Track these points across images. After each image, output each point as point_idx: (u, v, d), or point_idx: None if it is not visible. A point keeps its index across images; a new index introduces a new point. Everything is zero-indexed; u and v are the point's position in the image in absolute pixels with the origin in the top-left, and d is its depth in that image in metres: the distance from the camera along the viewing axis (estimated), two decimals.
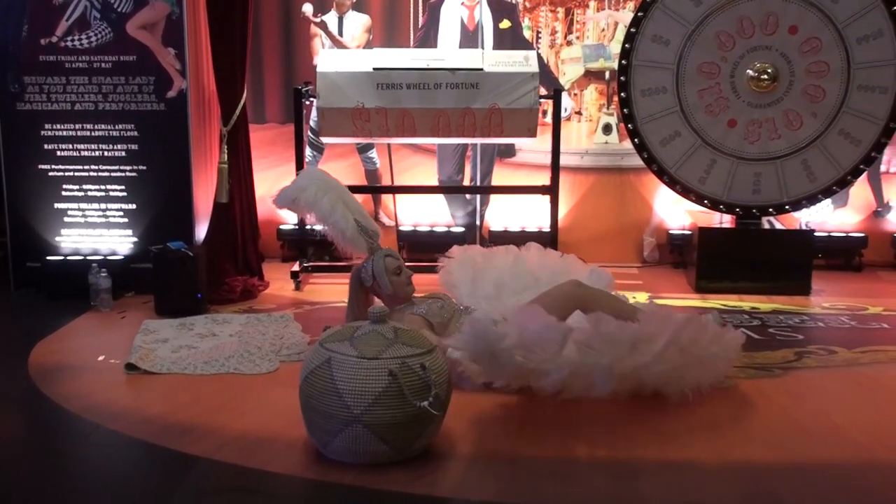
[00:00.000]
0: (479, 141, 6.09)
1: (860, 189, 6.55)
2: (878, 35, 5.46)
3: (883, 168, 6.59)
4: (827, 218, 6.64)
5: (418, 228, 6.77)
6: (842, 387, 3.86)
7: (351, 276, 4.10)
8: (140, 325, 4.77)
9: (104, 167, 5.66)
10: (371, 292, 4.05)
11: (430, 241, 6.71)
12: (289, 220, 6.69)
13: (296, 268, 5.90)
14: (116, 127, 5.62)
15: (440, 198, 6.83)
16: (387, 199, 6.79)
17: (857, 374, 4.06)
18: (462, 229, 6.75)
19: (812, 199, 5.80)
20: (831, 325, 5.00)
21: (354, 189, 6.64)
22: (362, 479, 2.83)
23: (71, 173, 5.66)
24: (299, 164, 5.84)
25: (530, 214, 6.56)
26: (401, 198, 6.67)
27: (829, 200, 6.24)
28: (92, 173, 5.66)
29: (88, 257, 5.56)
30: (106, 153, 5.64)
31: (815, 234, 6.21)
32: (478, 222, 6.82)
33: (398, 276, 3.95)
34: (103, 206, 5.69)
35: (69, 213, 5.69)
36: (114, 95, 5.59)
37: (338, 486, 2.81)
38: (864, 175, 6.06)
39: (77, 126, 5.61)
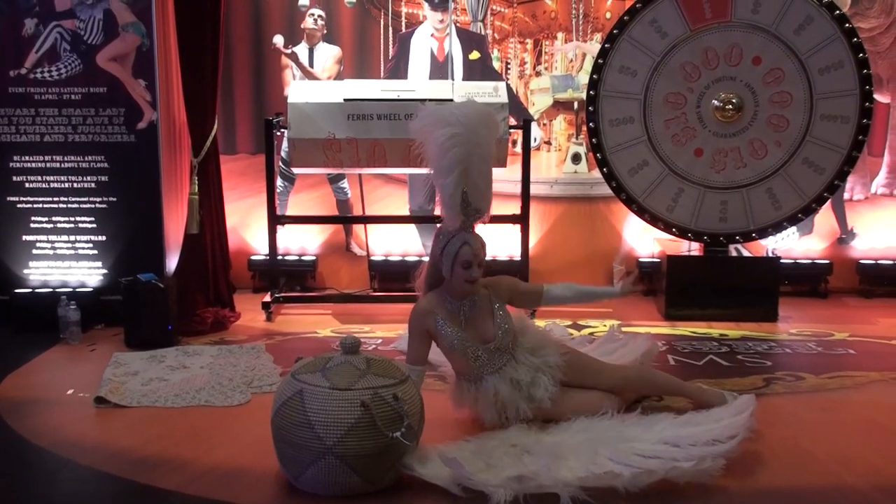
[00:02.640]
0: None
1: (825, 217, 6.66)
2: (839, 66, 5.58)
3: (846, 196, 6.71)
4: (793, 245, 6.74)
5: (390, 258, 6.79)
6: (809, 412, 3.91)
7: (434, 234, 3.61)
8: (110, 357, 4.73)
9: (73, 199, 5.63)
10: (438, 261, 3.55)
11: (402, 270, 6.70)
12: (260, 250, 6.67)
13: (267, 298, 5.88)
14: (86, 158, 5.59)
15: (411, 227, 6.86)
16: (358, 228, 6.80)
17: (825, 400, 4.11)
18: None
19: (778, 227, 5.89)
20: (799, 351, 5.06)
21: (326, 219, 6.77)
22: None
23: (40, 205, 5.62)
24: (270, 195, 5.84)
25: (501, 243, 6.60)
26: (372, 228, 6.69)
27: (794, 228, 6.33)
28: (61, 205, 5.63)
29: (57, 290, 5.51)
30: (76, 185, 5.61)
31: (782, 261, 6.29)
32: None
33: (464, 269, 3.44)
34: (73, 237, 5.64)
35: (38, 245, 5.64)
36: (83, 127, 5.57)
37: None
38: (828, 203, 6.15)
39: (46, 158, 5.58)
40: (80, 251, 5.66)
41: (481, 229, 3.58)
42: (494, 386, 3.47)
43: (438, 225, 3.61)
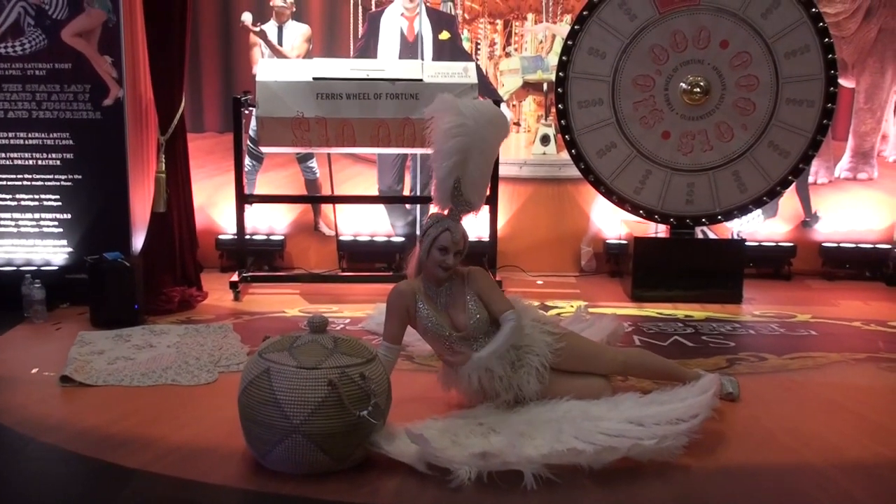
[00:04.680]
0: (419, 151, 6.13)
1: (789, 200, 6.74)
2: (805, 50, 5.64)
3: (811, 179, 6.80)
4: (758, 228, 6.82)
5: (358, 238, 6.78)
6: (771, 392, 3.98)
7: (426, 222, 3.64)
8: (75, 336, 4.70)
9: (38, 176, 5.55)
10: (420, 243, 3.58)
11: (371, 250, 6.74)
12: (228, 229, 6.64)
13: (235, 278, 5.86)
14: (51, 135, 5.52)
15: (380, 208, 6.86)
16: (327, 208, 6.79)
17: (787, 380, 4.19)
18: (402, 239, 6.78)
19: (743, 210, 5.96)
20: (762, 332, 5.14)
21: (294, 199, 6.75)
22: (302, 490, 2.84)
23: (3, 182, 5.54)
24: (238, 174, 5.81)
25: (470, 224, 6.59)
26: (341, 208, 6.67)
27: (759, 211, 6.41)
28: (25, 182, 5.55)
29: (21, 268, 5.45)
30: (40, 162, 5.54)
31: (747, 243, 6.37)
32: (417, 232, 6.85)
33: (440, 255, 3.46)
34: (37, 215, 5.57)
35: (1, 222, 5.57)
36: (48, 104, 5.49)
37: (277, 497, 2.81)
38: (793, 186, 6.23)
39: (10, 134, 5.50)
40: (45, 229, 5.59)
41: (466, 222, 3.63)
42: (468, 373, 3.49)
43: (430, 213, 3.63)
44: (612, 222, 6.76)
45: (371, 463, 3.02)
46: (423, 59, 6.56)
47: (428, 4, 6.69)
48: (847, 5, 6.49)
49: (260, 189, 6.73)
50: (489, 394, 3.52)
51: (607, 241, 6.80)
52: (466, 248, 3.58)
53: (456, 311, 3.55)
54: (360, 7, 6.70)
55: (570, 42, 5.80)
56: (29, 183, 5.56)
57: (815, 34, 5.61)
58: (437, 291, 3.57)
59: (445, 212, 3.58)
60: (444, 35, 6.71)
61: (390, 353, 3.46)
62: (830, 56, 5.62)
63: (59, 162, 5.55)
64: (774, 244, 6.81)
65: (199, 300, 5.66)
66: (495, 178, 5.83)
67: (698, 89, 5.73)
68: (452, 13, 6.75)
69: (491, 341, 3.49)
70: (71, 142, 5.53)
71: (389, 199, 6.80)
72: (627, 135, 5.84)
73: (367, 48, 6.69)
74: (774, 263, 6.79)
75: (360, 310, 5.44)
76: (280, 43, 6.66)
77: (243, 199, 5.87)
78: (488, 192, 5.80)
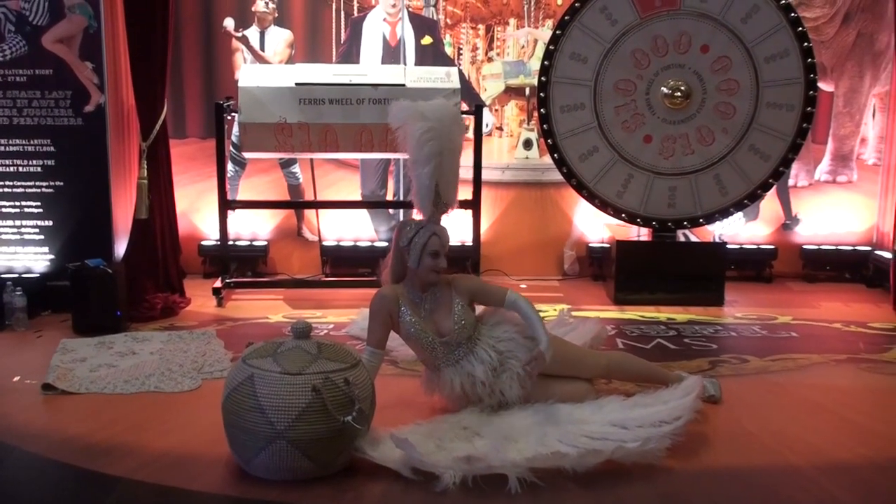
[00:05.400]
0: (401, 156, 6.12)
1: (770, 203, 6.78)
2: (785, 55, 5.68)
3: (791, 182, 6.84)
4: (739, 231, 6.86)
5: (342, 243, 6.78)
6: (753, 394, 4.01)
7: (396, 228, 3.66)
8: (57, 344, 4.67)
9: (19, 183, 5.52)
10: (403, 252, 3.56)
11: (354, 255, 6.73)
12: (210, 235, 6.62)
13: (218, 284, 5.84)
14: (32, 142, 5.49)
15: (363, 213, 6.85)
16: (310, 213, 6.78)
17: (768, 382, 4.22)
18: (385, 244, 6.77)
19: (724, 213, 6.00)
20: (743, 334, 5.17)
21: (277, 204, 6.74)
22: (286, 496, 2.84)
23: None
24: (221, 180, 5.80)
25: (453, 229, 6.60)
26: (324, 213, 6.67)
27: (740, 214, 6.44)
28: (6, 189, 5.52)
29: (3, 275, 5.42)
30: (21, 168, 5.51)
31: (728, 246, 6.39)
32: None
33: (432, 260, 3.49)
34: (18, 222, 5.55)
35: None
36: (29, 110, 5.47)
37: (261, 503, 2.81)
38: (774, 189, 6.27)
39: None
40: (26, 236, 5.56)
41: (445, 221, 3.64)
42: (451, 378, 3.52)
43: (400, 220, 3.66)
44: (594, 226, 6.78)
45: (356, 468, 3.03)
46: (405, 63, 6.57)
47: (410, 9, 6.70)
48: (826, 10, 6.55)
49: (243, 195, 6.71)
50: (472, 399, 3.53)
51: (590, 245, 6.83)
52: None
53: (440, 317, 3.55)
54: (342, 12, 6.70)
55: (552, 47, 5.82)
56: (10, 190, 5.53)
57: (794, 38, 5.65)
58: (421, 297, 3.57)
59: (421, 216, 3.60)
60: (427, 40, 6.72)
61: (374, 357, 3.46)
62: (810, 60, 5.66)
63: (40, 169, 5.53)
64: (756, 247, 6.85)
65: (182, 306, 5.64)
66: (478, 183, 5.86)
67: (679, 93, 5.77)
68: (435, 18, 6.76)
69: (528, 326, 3.53)
70: (52, 148, 5.51)
71: (373, 203, 6.80)
72: (609, 139, 5.86)
73: (350, 53, 6.69)
74: (756, 266, 6.83)
75: (343, 315, 5.43)
76: (262, 48, 6.65)
77: (226, 204, 5.86)
78: (471, 197, 5.85)
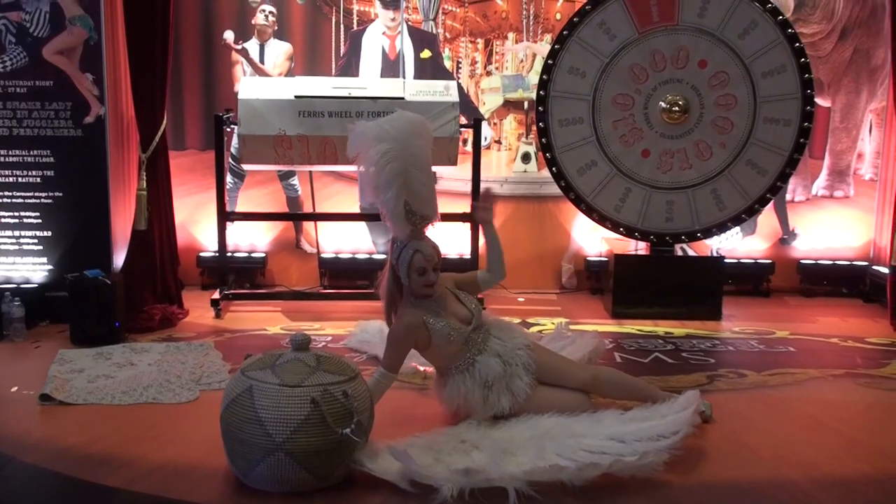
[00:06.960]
0: None
1: (767, 217, 6.81)
2: (782, 70, 5.70)
3: (788, 197, 6.87)
4: (736, 245, 6.88)
5: (340, 256, 6.78)
6: (751, 408, 4.00)
7: (389, 244, 3.67)
8: (55, 354, 4.67)
9: (18, 193, 5.54)
10: (396, 269, 3.58)
11: (352, 268, 6.74)
12: (209, 247, 6.63)
13: (216, 295, 5.85)
14: (31, 153, 5.51)
15: (362, 225, 6.86)
16: (308, 226, 6.79)
17: (766, 396, 4.22)
18: (383, 256, 6.77)
19: (722, 227, 6.01)
20: (741, 348, 5.18)
21: (276, 216, 6.75)
22: None
23: None
24: (220, 191, 5.81)
25: (451, 242, 6.63)
26: (322, 225, 6.68)
27: (738, 228, 6.46)
28: (5, 200, 5.53)
29: (1, 286, 5.42)
30: (20, 179, 5.52)
31: (726, 260, 6.40)
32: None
33: (420, 276, 3.48)
34: (17, 233, 5.55)
35: None
36: (29, 121, 5.48)
37: None
38: (771, 204, 6.29)
39: None
40: (25, 247, 5.57)
41: (432, 232, 3.63)
42: (486, 364, 3.54)
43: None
44: (592, 240, 6.80)
45: (354, 481, 3.02)
46: (404, 77, 6.59)
47: (409, 23, 6.73)
48: (823, 26, 6.59)
49: (241, 206, 6.72)
50: (495, 386, 3.55)
51: (588, 259, 6.84)
52: (441, 258, 3.58)
53: (454, 309, 3.60)
54: (341, 25, 6.73)
55: (550, 61, 5.85)
56: (9, 200, 5.54)
57: (791, 54, 5.68)
58: (430, 303, 3.57)
59: (404, 234, 3.54)
60: (426, 53, 6.75)
61: (386, 380, 3.44)
62: (807, 75, 5.69)
63: (39, 179, 5.54)
64: (753, 261, 6.86)
65: (180, 318, 5.64)
66: (476, 196, 5.86)
67: (677, 108, 5.79)
68: (434, 32, 6.79)
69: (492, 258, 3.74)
70: (52, 159, 5.53)
71: (371, 216, 6.78)
72: (608, 153, 5.88)
73: (349, 66, 6.72)
74: (753, 280, 6.85)
75: (342, 327, 5.43)
76: (262, 61, 6.67)
77: (225, 216, 5.86)
78: (469, 210, 5.85)
